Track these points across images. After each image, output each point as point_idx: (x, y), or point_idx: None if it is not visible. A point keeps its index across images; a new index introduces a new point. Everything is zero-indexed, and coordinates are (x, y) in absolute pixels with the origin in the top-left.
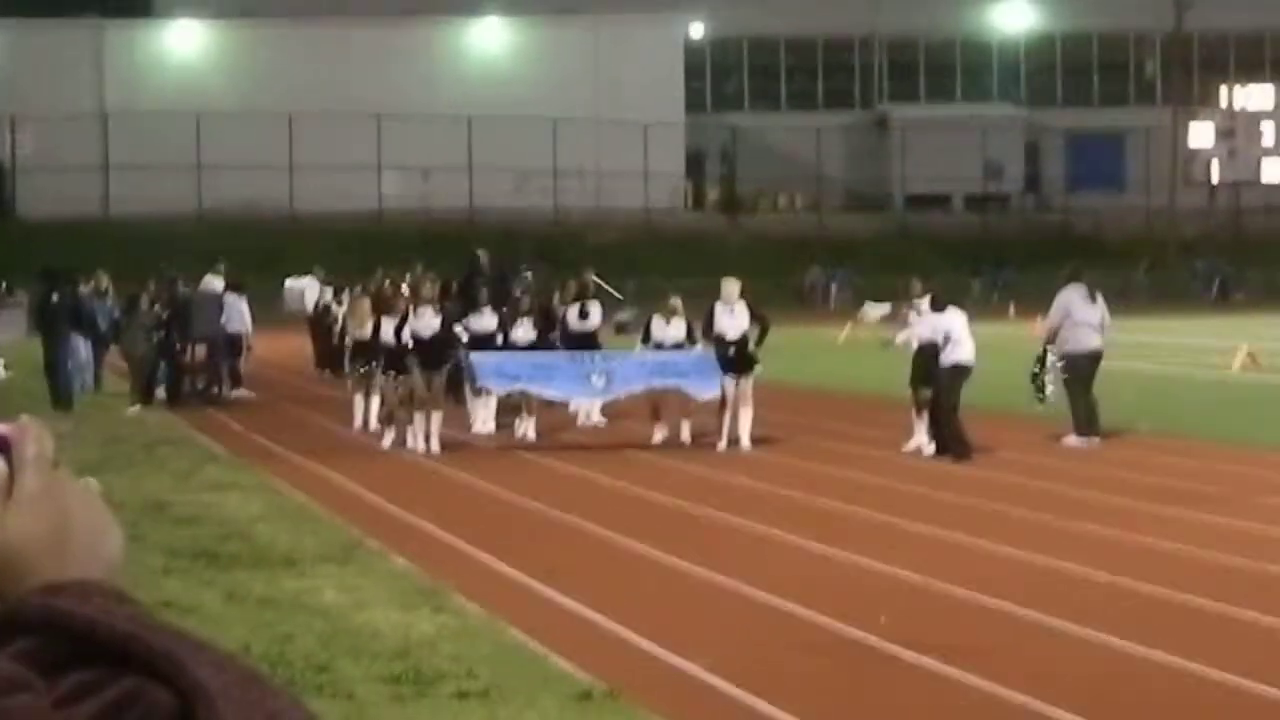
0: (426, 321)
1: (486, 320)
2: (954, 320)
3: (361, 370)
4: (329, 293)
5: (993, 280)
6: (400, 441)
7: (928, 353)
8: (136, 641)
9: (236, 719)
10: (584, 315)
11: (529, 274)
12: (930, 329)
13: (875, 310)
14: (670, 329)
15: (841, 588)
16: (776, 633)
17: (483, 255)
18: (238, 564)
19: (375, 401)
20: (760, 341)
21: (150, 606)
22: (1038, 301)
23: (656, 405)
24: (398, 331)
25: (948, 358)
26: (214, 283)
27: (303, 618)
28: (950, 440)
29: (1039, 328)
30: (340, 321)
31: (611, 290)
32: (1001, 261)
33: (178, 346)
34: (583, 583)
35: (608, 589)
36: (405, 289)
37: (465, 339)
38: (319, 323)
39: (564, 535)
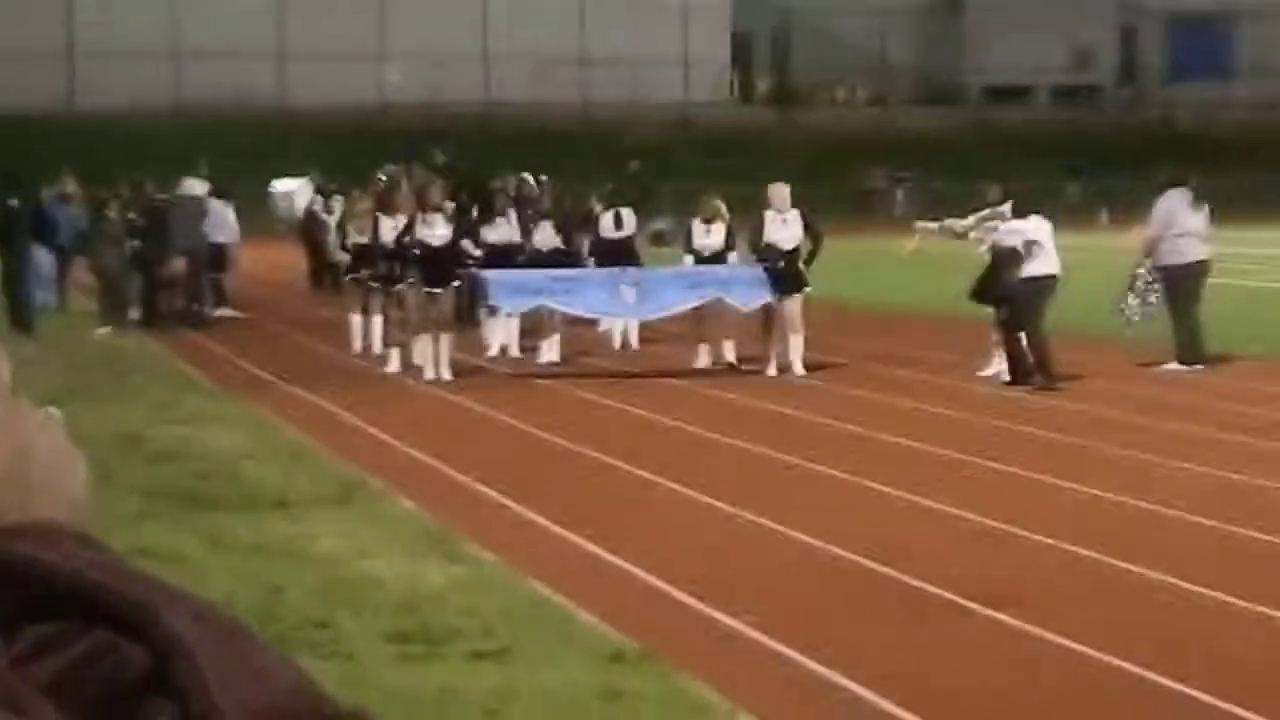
0: (434, 230)
1: (503, 230)
2: (1040, 228)
3: (362, 281)
4: (320, 199)
5: (1093, 183)
6: (407, 365)
7: (1005, 264)
8: (105, 591)
9: (218, 676)
10: (618, 223)
11: (524, 179)
12: (1012, 236)
13: (955, 224)
14: (711, 236)
15: (905, 534)
16: (830, 585)
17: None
18: (222, 506)
19: (378, 319)
20: (811, 260)
21: (123, 554)
22: (1133, 209)
23: (700, 325)
24: (400, 238)
25: (1029, 269)
26: (194, 187)
27: (296, 567)
28: (1031, 366)
29: (1135, 237)
30: (333, 231)
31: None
32: (1102, 161)
33: (153, 259)
34: (612, 528)
35: (640, 535)
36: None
37: (478, 253)
38: (311, 233)
39: (591, 474)
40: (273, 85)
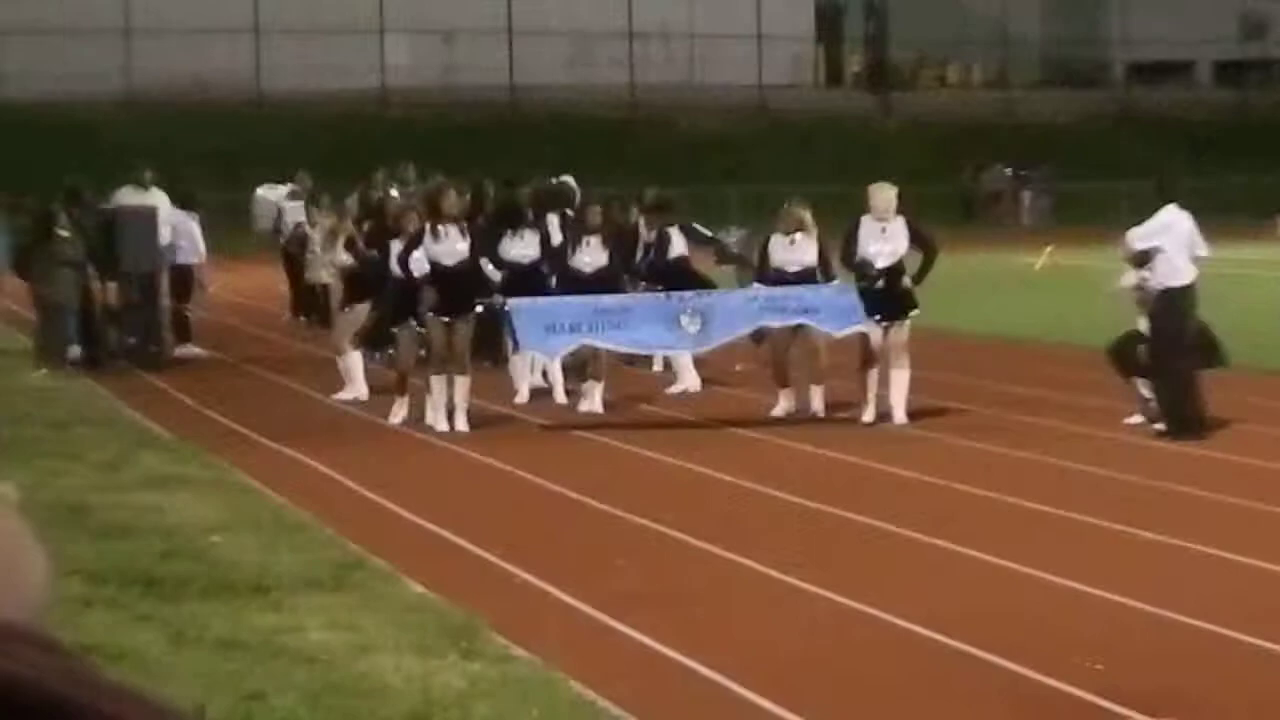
0: (450, 245)
1: (525, 245)
2: (1171, 223)
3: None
4: (307, 210)
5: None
6: (415, 417)
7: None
8: (71, 705)
9: None
10: (663, 245)
11: (565, 182)
12: (1143, 244)
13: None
14: (795, 250)
15: (1040, 622)
16: (950, 681)
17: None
18: (188, 592)
19: (355, 357)
20: (922, 275)
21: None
22: None
23: (779, 364)
24: (403, 258)
25: (1156, 281)
26: (134, 197)
27: (280, 667)
28: (1167, 406)
29: None
30: (318, 247)
31: (701, 230)
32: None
33: (98, 285)
34: (670, 616)
35: (704, 624)
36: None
37: (497, 275)
38: (294, 252)
39: (643, 548)
40: (246, 68)
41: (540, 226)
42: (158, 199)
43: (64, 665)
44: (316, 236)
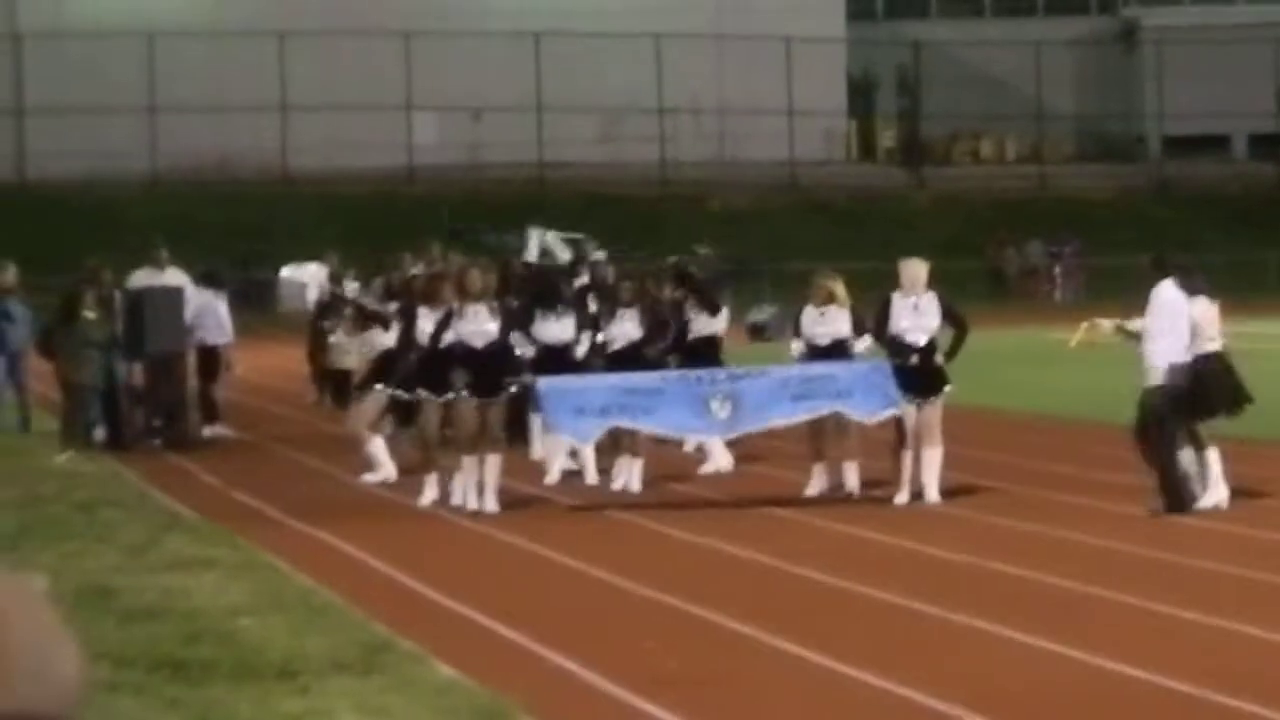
0: (479, 325)
1: (561, 327)
2: (1166, 301)
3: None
4: (329, 288)
5: None
6: (443, 497)
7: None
8: None
9: None
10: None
11: (599, 253)
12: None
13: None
14: (826, 321)
15: (1080, 705)
16: None
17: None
18: (214, 676)
19: (379, 441)
20: (954, 353)
21: None
22: None
23: (816, 439)
24: (436, 335)
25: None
26: (150, 277)
27: None
28: (1162, 484)
29: None
30: (339, 330)
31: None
32: None
33: (124, 366)
34: (701, 698)
35: (735, 707)
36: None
37: (530, 354)
38: (317, 330)
39: (674, 630)
40: (273, 146)
41: (578, 306)
42: (175, 278)
43: None
44: (341, 320)
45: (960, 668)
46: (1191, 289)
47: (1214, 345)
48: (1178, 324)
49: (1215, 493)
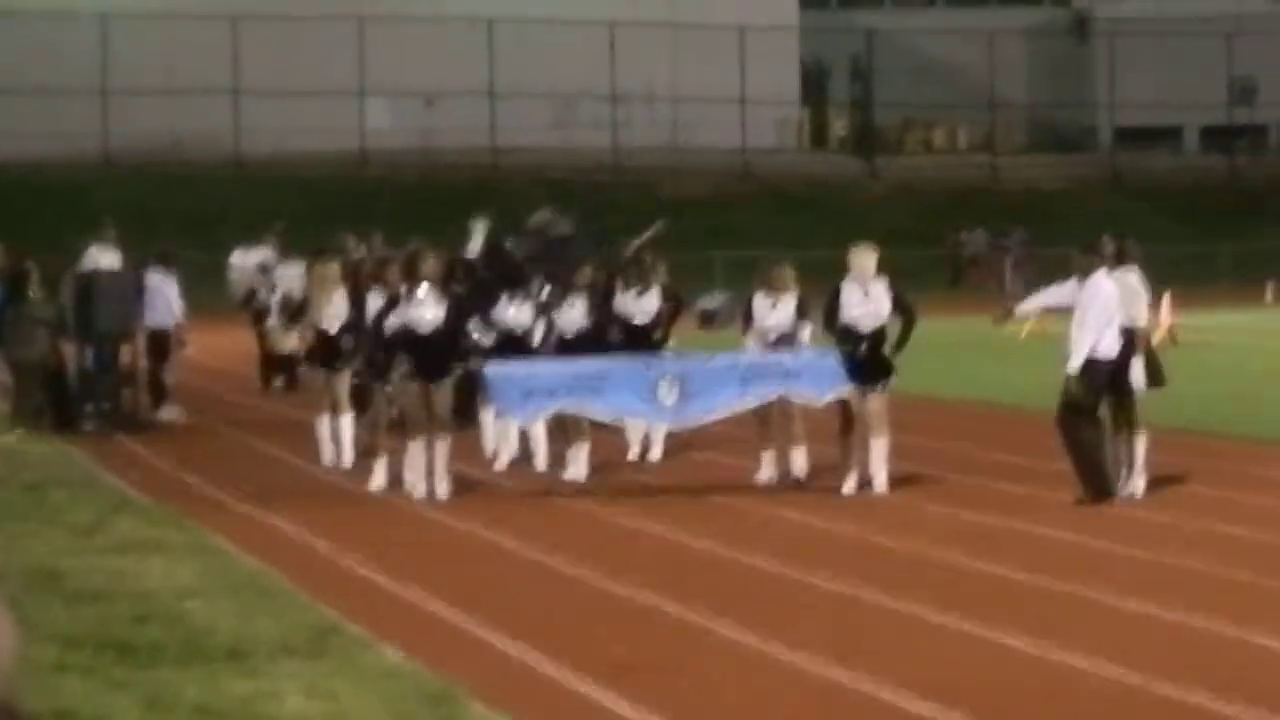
0: (425, 311)
1: (520, 312)
2: (1098, 292)
3: (326, 374)
4: (263, 271)
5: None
6: (394, 482)
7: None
8: None
9: None
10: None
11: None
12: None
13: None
14: (778, 310)
15: (1020, 693)
16: None
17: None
18: (162, 658)
19: (347, 420)
20: (902, 343)
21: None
22: None
23: (764, 426)
24: (379, 320)
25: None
26: (100, 257)
27: None
28: (1081, 472)
29: None
30: (274, 313)
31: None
32: (1268, 219)
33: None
34: (650, 684)
35: (684, 693)
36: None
37: (488, 340)
38: (256, 314)
39: (623, 616)
40: (225, 129)
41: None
42: (112, 259)
43: None
44: (273, 304)
45: (908, 656)
46: (1113, 260)
47: (1139, 321)
48: (1107, 311)
49: (1135, 482)
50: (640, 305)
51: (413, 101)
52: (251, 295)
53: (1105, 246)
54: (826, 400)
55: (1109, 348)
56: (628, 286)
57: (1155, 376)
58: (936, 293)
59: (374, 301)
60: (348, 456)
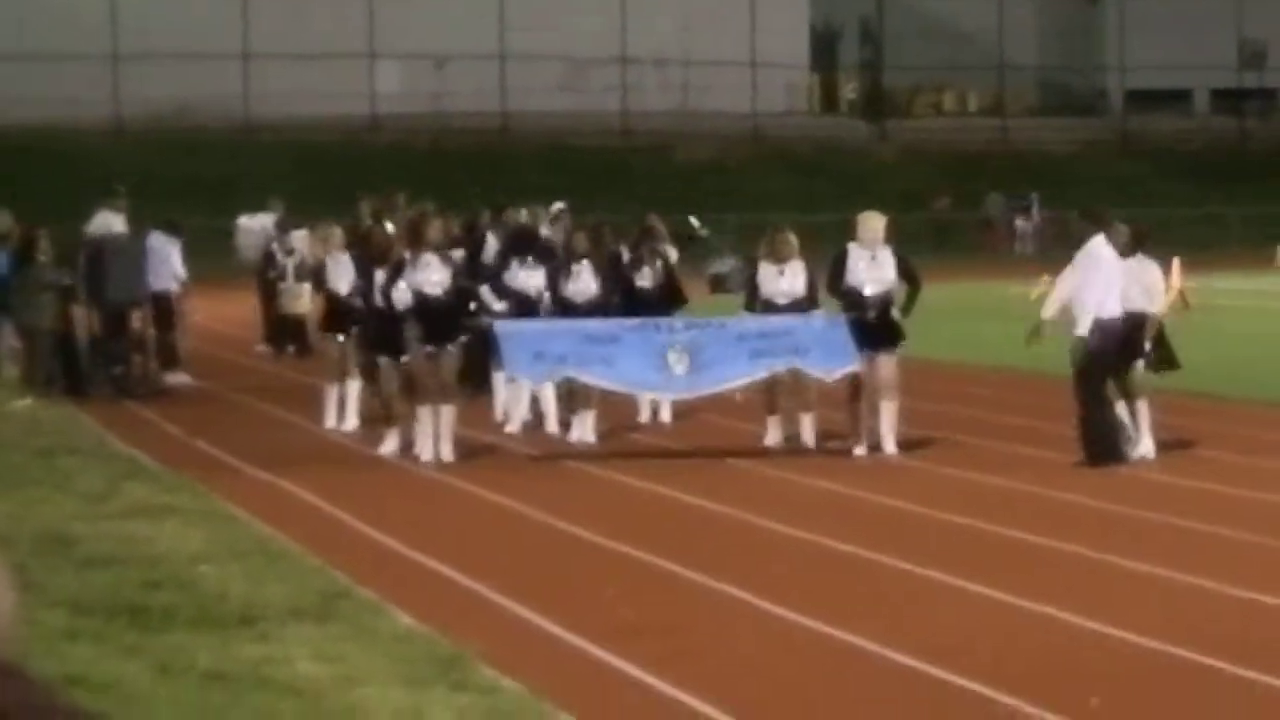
0: (431, 275)
1: (532, 277)
2: (1096, 255)
3: (338, 340)
4: (278, 237)
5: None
6: (405, 447)
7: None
8: None
9: None
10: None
11: (561, 207)
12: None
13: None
14: (784, 280)
15: (1033, 654)
16: (944, 714)
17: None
18: (173, 623)
19: (353, 388)
20: (908, 309)
21: (49, 682)
22: None
23: (772, 392)
24: (387, 288)
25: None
26: (111, 221)
27: (267, 699)
28: (1086, 435)
29: None
30: (289, 277)
31: (695, 228)
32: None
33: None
34: (660, 647)
35: (694, 655)
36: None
37: (499, 305)
38: (265, 278)
39: (633, 579)
40: (234, 94)
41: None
42: (118, 224)
43: (26, 691)
44: (289, 267)
45: (918, 617)
46: (1129, 248)
47: (1153, 308)
48: (1107, 277)
49: (1144, 444)
50: (645, 272)
51: (423, 65)
52: (270, 260)
53: (1120, 234)
54: (835, 379)
55: (1112, 309)
56: (636, 261)
57: (1169, 362)
58: (947, 257)
59: (380, 275)
60: (351, 422)
